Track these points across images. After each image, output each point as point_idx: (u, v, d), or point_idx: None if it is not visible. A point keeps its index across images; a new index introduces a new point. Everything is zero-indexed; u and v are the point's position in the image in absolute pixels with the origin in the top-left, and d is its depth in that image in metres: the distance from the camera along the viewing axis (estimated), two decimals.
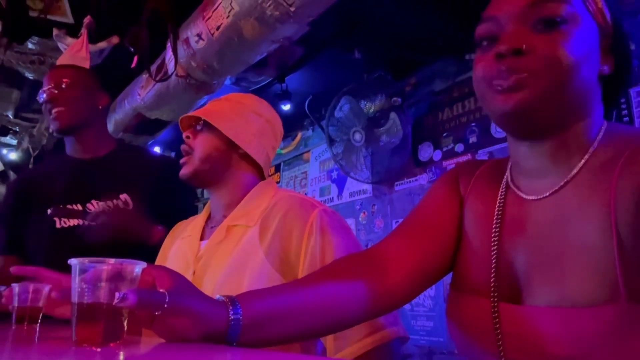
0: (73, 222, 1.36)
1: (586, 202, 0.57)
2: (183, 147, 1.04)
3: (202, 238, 1.03)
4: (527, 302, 0.59)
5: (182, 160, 1.04)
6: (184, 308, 0.53)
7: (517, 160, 0.67)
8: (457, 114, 2.52)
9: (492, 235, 0.65)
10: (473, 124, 2.42)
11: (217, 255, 0.95)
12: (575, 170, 0.59)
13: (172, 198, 1.43)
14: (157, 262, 1.12)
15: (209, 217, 1.08)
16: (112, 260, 0.51)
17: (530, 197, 0.63)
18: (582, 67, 0.57)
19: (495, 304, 0.61)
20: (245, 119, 1.05)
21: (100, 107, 1.47)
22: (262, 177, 1.08)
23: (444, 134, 2.56)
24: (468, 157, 2.41)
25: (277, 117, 1.11)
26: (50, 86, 1.39)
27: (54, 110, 1.37)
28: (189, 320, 0.53)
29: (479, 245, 0.67)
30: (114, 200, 1.38)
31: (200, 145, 1.02)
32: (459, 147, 2.47)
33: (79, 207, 1.38)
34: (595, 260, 0.54)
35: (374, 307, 0.68)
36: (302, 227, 0.91)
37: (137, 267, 0.53)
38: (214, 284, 0.90)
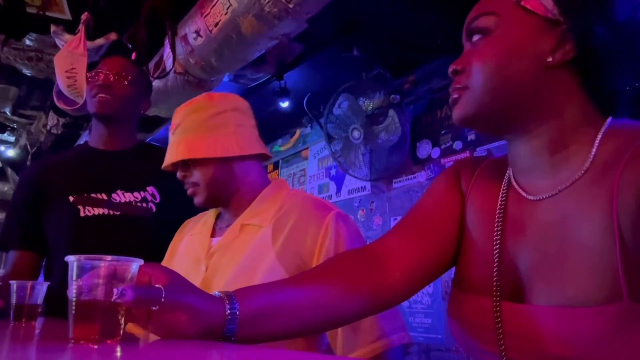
0: (98, 210, 1.33)
1: (588, 202, 0.57)
2: (186, 187, 1.02)
3: (212, 235, 1.03)
4: (529, 301, 0.59)
5: (189, 192, 1.03)
6: (181, 303, 0.53)
7: (514, 159, 0.67)
8: None
9: (495, 234, 0.65)
10: None
11: (229, 252, 0.95)
12: (580, 172, 0.59)
13: (187, 199, 1.43)
14: (166, 258, 1.12)
15: (218, 216, 1.08)
16: (108, 258, 0.51)
17: (533, 197, 0.63)
18: (509, 65, 0.61)
19: (497, 303, 0.61)
20: (218, 126, 1.00)
21: (142, 110, 1.49)
22: (264, 160, 1.08)
23: (443, 132, 2.56)
24: (466, 154, 2.41)
25: (238, 98, 1.07)
26: (107, 71, 1.37)
27: (99, 95, 1.35)
28: (185, 316, 0.53)
29: (481, 244, 0.67)
30: (141, 192, 1.37)
31: (201, 178, 1.00)
32: (458, 145, 2.47)
33: (104, 196, 1.35)
34: (597, 261, 0.53)
35: (373, 303, 0.68)
36: (317, 228, 0.91)
37: (134, 265, 0.53)
38: (225, 281, 0.90)
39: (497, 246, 0.64)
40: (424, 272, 0.71)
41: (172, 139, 1.04)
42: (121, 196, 1.36)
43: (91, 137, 1.47)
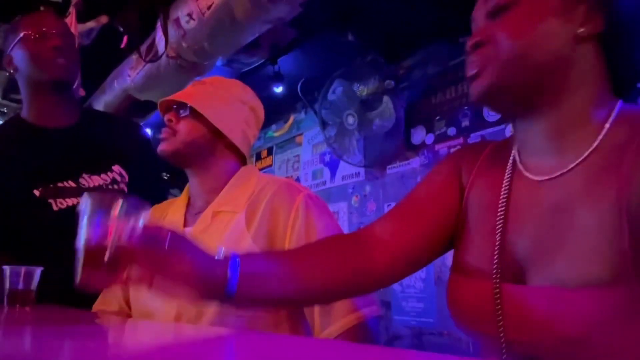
0: (70, 201, 1.22)
1: (597, 183, 0.56)
2: (166, 130, 1.01)
3: (185, 225, 1.02)
4: (531, 282, 0.59)
5: (162, 135, 1.01)
6: (184, 250, 0.57)
7: (523, 139, 0.66)
8: (450, 97, 2.51)
9: (498, 216, 0.64)
10: (466, 108, 2.42)
11: (204, 241, 0.94)
12: (586, 153, 0.59)
13: (153, 171, 1.35)
14: None
15: (188, 203, 1.07)
16: (118, 199, 0.53)
17: (538, 178, 0.63)
18: (538, 38, 0.59)
19: (498, 285, 0.60)
20: (232, 107, 1.04)
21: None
22: (243, 164, 1.07)
23: (437, 118, 2.55)
24: (460, 140, 2.42)
25: (261, 105, 1.11)
26: (55, 31, 1.21)
27: (60, 58, 1.19)
28: (188, 264, 0.56)
29: (484, 228, 0.67)
30: (109, 173, 1.27)
31: (185, 130, 1.00)
32: (452, 131, 2.47)
33: (72, 183, 1.23)
34: (605, 242, 0.53)
35: (359, 284, 0.71)
36: (288, 210, 0.93)
37: (143, 208, 0.55)
38: None
39: (499, 228, 0.63)
40: (411, 259, 0.72)
41: (188, 87, 1.07)
42: (89, 180, 1.25)
43: (29, 111, 1.27)
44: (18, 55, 1.23)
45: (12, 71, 1.26)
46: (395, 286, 2.57)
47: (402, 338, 2.51)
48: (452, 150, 2.44)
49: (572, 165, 0.59)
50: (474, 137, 2.35)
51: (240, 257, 0.61)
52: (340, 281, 0.69)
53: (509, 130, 2.21)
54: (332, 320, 0.87)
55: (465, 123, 2.41)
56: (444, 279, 2.35)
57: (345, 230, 1.00)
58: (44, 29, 1.20)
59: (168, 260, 0.55)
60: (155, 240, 0.54)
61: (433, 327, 2.38)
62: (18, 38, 1.21)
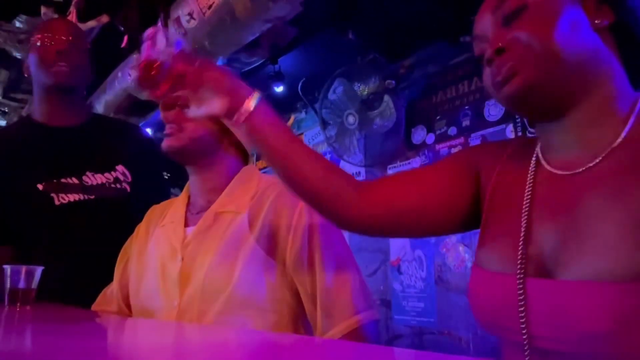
0: (72, 197, 1.26)
1: (624, 177, 0.56)
2: (172, 126, 0.98)
3: (185, 225, 1.01)
4: (556, 277, 0.58)
5: (167, 131, 0.98)
6: (217, 65, 0.70)
7: (546, 137, 0.66)
8: (450, 97, 2.51)
9: (522, 211, 0.64)
10: (466, 107, 2.42)
11: (206, 241, 0.95)
12: (613, 146, 0.58)
13: (156, 173, 1.40)
14: (136, 250, 1.07)
15: (188, 202, 1.06)
16: (162, 33, 0.68)
17: (563, 172, 0.62)
18: (564, 30, 0.59)
19: (522, 280, 0.59)
20: None
21: (91, 74, 1.40)
22: (245, 163, 1.07)
23: (437, 117, 2.55)
24: (461, 140, 2.42)
25: None
26: (62, 37, 1.27)
27: (62, 63, 1.25)
28: (220, 71, 0.70)
29: (508, 223, 0.66)
30: (112, 172, 1.32)
31: (193, 126, 0.97)
32: (452, 131, 2.47)
33: (75, 180, 1.27)
34: (633, 236, 0.52)
35: (339, 203, 0.74)
36: (291, 211, 0.92)
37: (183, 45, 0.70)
38: (205, 269, 0.90)
39: (524, 222, 0.63)
40: (394, 214, 0.74)
41: None
42: (92, 178, 1.29)
43: (38, 111, 1.34)
44: (30, 60, 1.31)
45: (27, 75, 1.35)
46: (396, 285, 2.57)
47: (402, 337, 2.51)
48: (453, 150, 2.44)
49: (598, 160, 0.59)
50: (475, 137, 2.35)
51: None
52: (324, 188, 0.73)
53: (509, 130, 2.21)
54: (334, 323, 0.87)
55: (466, 123, 2.41)
56: (444, 278, 2.35)
57: (346, 235, 0.99)
58: (50, 34, 1.27)
59: (203, 69, 0.69)
60: (189, 58, 0.69)
61: (433, 326, 2.38)
62: (31, 44, 1.30)
